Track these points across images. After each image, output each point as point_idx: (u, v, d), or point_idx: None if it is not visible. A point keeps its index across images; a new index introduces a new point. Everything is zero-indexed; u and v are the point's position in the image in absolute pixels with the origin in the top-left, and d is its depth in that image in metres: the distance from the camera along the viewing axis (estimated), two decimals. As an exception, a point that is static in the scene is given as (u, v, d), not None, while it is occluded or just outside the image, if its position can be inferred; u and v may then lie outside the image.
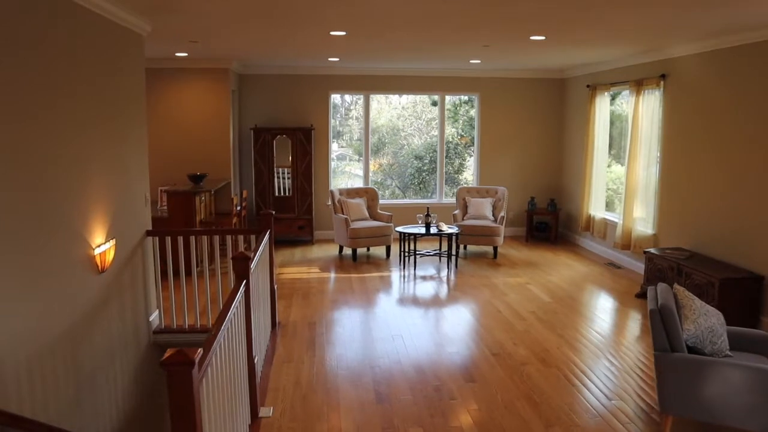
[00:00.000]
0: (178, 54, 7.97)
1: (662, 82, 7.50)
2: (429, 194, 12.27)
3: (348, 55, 8.15)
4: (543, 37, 6.47)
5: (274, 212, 6.10)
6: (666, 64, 7.45)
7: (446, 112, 12.75)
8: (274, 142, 9.62)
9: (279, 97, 9.91)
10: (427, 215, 8.54)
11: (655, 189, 7.78)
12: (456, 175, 12.39)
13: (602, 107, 9.02)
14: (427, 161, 12.59)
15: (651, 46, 7.14)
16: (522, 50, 7.52)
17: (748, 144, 6.23)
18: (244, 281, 4.05)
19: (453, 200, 10.91)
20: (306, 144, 9.67)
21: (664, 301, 4.06)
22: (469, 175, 12.07)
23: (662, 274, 6.77)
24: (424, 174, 12.64)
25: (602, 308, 6.88)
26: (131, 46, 5.41)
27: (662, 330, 4.01)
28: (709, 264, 6.39)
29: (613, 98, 9.16)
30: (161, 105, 8.78)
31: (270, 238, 5.82)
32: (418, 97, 11.91)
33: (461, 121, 12.44)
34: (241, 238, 5.88)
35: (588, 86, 9.27)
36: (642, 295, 7.12)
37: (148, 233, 5.79)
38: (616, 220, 8.71)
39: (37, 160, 3.66)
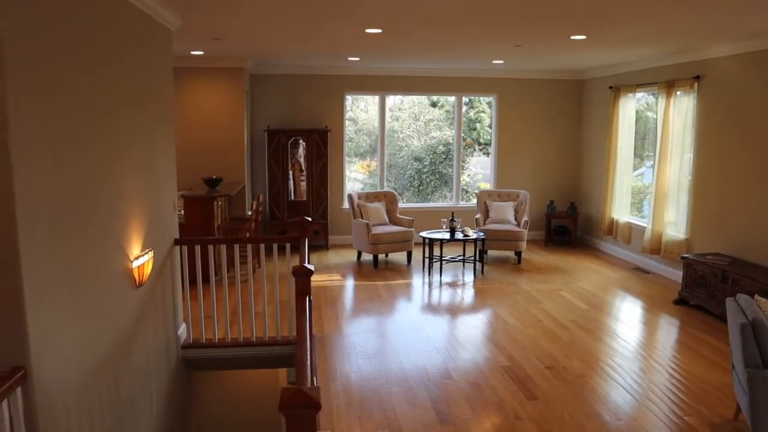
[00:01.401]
0: (193, 52, 7.61)
1: (696, 84, 7.30)
2: (428, 197, 12.02)
3: (371, 54, 7.85)
4: (584, 37, 6.23)
5: (288, 218, 5.77)
6: (701, 65, 7.26)
7: (446, 114, 12.56)
8: (289, 144, 9.28)
9: (292, 98, 9.57)
10: (452, 220, 8.26)
11: (688, 193, 7.58)
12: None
13: (627, 109, 8.81)
14: (427, 163, 12.35)
15: (686, 46, 6.94)
16: (555, 50, 7.28)
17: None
18: (307, 297, 3.74)
19: (468, 204, 10.66)
20: (322, 146, 9.34)
21: (756, 315, 3.83)
22: (466, 176, 11.83)
23: (704, 281, 6.56)
24: (423, 176, 12.40)
25: (642, 316, 6.65)
26: (162, 42, 5.06)
27: (754, 345, 3.77)
28: (756, 270, 6.20)
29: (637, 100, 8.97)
30: (174, 105, 8.39)
31: (306, 246, 5.50)
32: (417, 99, 11.63)
33: (462, 122, 12.21)
34: (262, 246, 5.55)
35: (611, 87, 9.06)
36: (680, 302, 6.91)
37: (176, 242, 5.43)
38: (642, 224, 8.51)
39: (79, 161, 3.29)
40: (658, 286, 7.62)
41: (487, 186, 11.29)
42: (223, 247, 5.55)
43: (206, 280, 5.43)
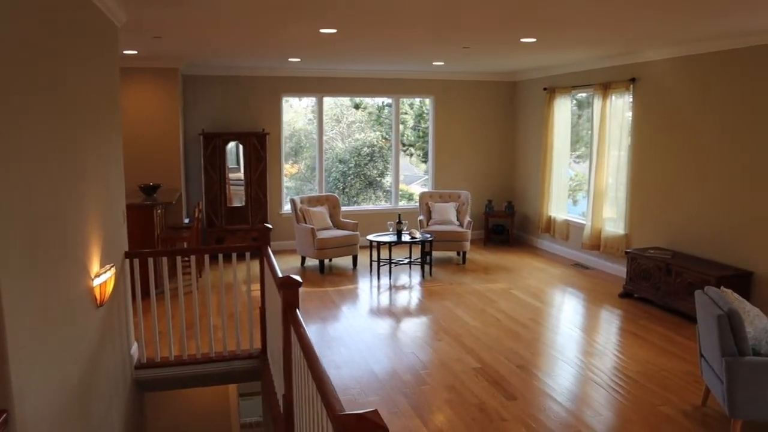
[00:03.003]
0: (126, 52, 7.14)
1: (631, 86, 7.62)
2: (353, 199, 11.94)
3: (316, 55, 7.66)
4: (534, 39, 6.33)
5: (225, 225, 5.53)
6: (636, 68, 7.58)
7: (369, 116, 12.54)
8: (226, 148, 8.92)
9: (228, 100, 9.20)
10: (399, 222, 8.21)
11: (625, 190, 7.89)
12: (379, 179, 12.19)
13: (562, 110, 9.08)
14: (351, 165, 12.27)
15: (623, 50, 7.22)
16: (502, 52, 7.37)
17: (720, 145, 6.45)
18: (296, 309, 3.55)
19: (407, 205, 10.66)
20: (260, 150, 9.04)
21: (730, 305, 3.99)
22: (391, 179, 11.85)
23: (648, 274, 6.84)
24: (348, 178, 12.32)
25: (594, 310, 6.84)
26: (109, 39, 4.68)
27: (730, 335, 3.93)
28: (695, 262, 6.52)
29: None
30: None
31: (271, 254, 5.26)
32: (338, 100, 11.52)
33: (385, 125, 12.24)
34: (206, 256, 5.27)
35: (545, 89, 9.31)
36: (625, 295, 7.17)
37: (127, 255, 5.05)
38: (581, 222, 8.79)
39: (35, 172, 2.91)
40: (601, 281, 7.89)
41: (408, 188, 11.34)
42: (179, 259, 5.23)
43: (147, 294, 5.09)
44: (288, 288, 3.58)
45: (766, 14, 4.88)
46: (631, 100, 7.70)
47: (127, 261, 5.02)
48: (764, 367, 3.84)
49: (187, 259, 7.27)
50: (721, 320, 3.93)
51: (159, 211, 7.21)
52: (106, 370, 4.12)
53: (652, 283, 6.79)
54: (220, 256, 5.11)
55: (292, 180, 11.60)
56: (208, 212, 8.90)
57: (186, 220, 8.53)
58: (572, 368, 5.19)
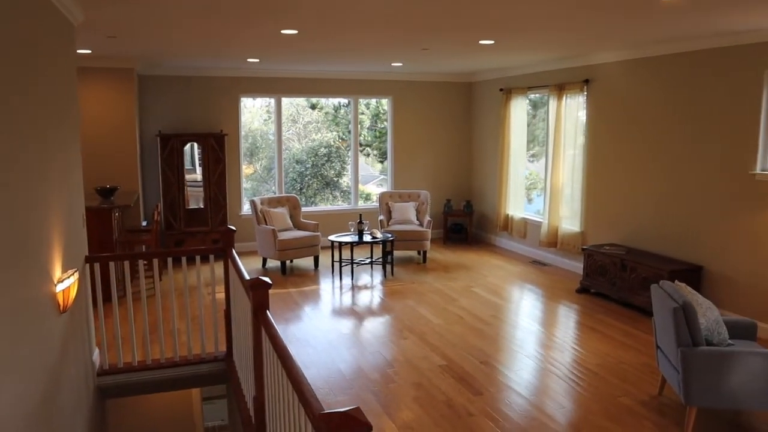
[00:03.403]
0: (80, 51, 6.97)
1: (585, 87, 7.84)
2: (311, 200, 11.93)
3: (271, 56, 7.63)
4: (492, 41, 6.46)
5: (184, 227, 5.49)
6: (589, 70, 7.81)
7: (326, 116, 12.54)
8: (184, 149, 8.79)
9: (185, 101, 9.08)
10: (360, 222, 8.25)
11: (580, 188, 8.12)
12: (337, 179, 12.22)
13: (518, 110, 9.28)
14: (309, 166, 12.27)
15: (577, 52, 7.43)
16: (461, 54, 7.49)
17: (670, 145, 6.72)
18: (267, 311, 3.55)
19: (366, 205, 10.71)
20: (219, 151, 8.94)
21: (684, 298, 4.16)
22: (348, 180, 11.87)
23: (604, 270, 7.06)
24: (306, 179, 12.30)
25: (553, 306, 7.01)
26: (66, 38, 4.57)
27: (685, 326, 4.10)
28: (649, 257, 6.76)
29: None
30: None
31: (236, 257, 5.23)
32: (294, 101, 11.50)
33: (341, 125, 12.28)
34: (170, 259, 5.19)
35: (501, 90, 9.49)
36: (582, 290, 7.38)
37: (87, 259, 4.95)
38: (538, 220, 9.00)
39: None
40: (559, 277, 8.10)
41: (364, 187, 11.40)
42: (141, 263, 5.15)
43: (108, 299, 5.00)
44: (258, 289, 3.58)
45: (710, 20, 5.11)
46: (584, 100, 7.93)
47: (88, 266, 4.93)
48: (717, 356, 4.03)
49: (146, 262, 7.15)
50: (677, 312, 4.11)
51: (117, 214, 7.07)
52: (69, 379, 4.03)
53: (608, 279, 7.01)
54: (184, 258, 5.06)
55: (249, 181, 11.51)
56: (166, 214, 8.76)
57: (144, 223, 8.38)
58: (534, 363, 5.33)
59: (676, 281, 4.62)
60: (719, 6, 4.54)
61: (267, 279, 3.60)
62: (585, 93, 7.88)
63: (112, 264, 5.06)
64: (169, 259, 5.13)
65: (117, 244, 6.96)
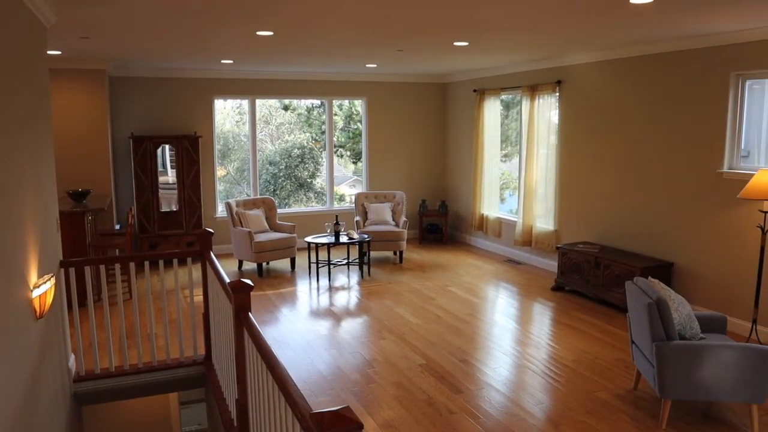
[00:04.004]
0: (50, 52, 6.85)
1: (558, 88, 7.97)
2: (284, 201, 11.91)
3: (245, 57, 7.60)
4: (466, 43, 6.53)
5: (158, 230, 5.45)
6: (562, 71, 7.93)
7: (299, 117, 12.53)
8: (157, 151, 8.70)
9: (158, 102, 8.99)
10: (336, 223, 8.25)
11: (554, 188, 8.24)
12: (310, 181, 12.22)
13: (491, 111, 9.38)
14: (282, 167, 12.25)
15: (549, 54, 7.54)
16: (435, 55, 7.54)
17: (640, 144, 6.87)
18: (249, 313, 3.55)
19: (342, 207, 10.72)
20: (193, 153, 8.87)
21: (658, 294, 4.27)
22: (322, 181, 11.88)
23: (578, 268, 7.18)
24: (279, 180, 12.28)
25: (529, 304, 7.10)
26: (38, 40, 4.50)
27: (659, 321, 4.21)
28: (621, 255, 6.90)
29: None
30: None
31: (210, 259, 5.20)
32: (267, 102, 11.48)
33: (314, 126, 12.29)
34: (146, 263, 5.16)
35: (475, 90, 9.59)
36: (557, 288, 7.50)
37: (62, 264, 4.88)
38: (512, 219, 9.11)
39: None
40: (534, 276, 8.21)
41: (337, 188, 11.42)
42: (117, 267, 5.09)
43: (84, 303, 4.94)
44: (240, 292, 3.59)
45: (678, 23, 5.24)
46: (557, 101, 8.05)
47: (63, 270, 4.86)
48: (690, 350, 4.14)
49: (122, 266, 7.07)
50: (651, 308, 4.21)
51: (89, 217, 6.97)
52: (46, 386, 3.98)
53: (582, 276, 7.14)
54: (161, 262, 5.02)
55: (222, 183, 11.44)
56: (140, 217, 8.66)
57: (117, 227, 8.27)
58: (512, 360, 5.40)
59: (650, 278, 4.73)
60: (685, 9, 4.66)
61: (249, 281, 3.61)
62: (557, 94, 8.01)
63: (87, 268, 5.01)
64: (146, 263, 5.09)
65: (90, 248, 6.86)
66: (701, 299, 6.29)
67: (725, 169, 6.00)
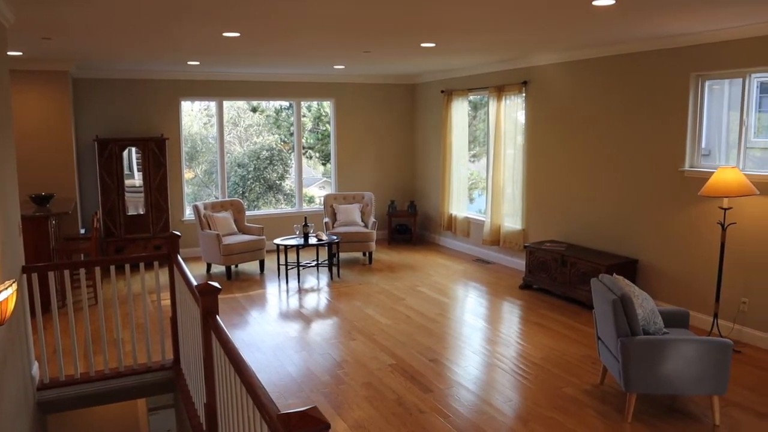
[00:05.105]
0: (10, 53, 6.70)
1: (524, 88, 8.07)
2: (253, 203, 11.85)
3: (212, 59, 7.53)
4: (433, 44, 6.57)
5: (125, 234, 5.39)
6: (527, 72, 8.04)
7: (267, 119, 12.47)
8: (123, 154, 8.57)
9: (124, 104, 8.85)
10: (305, 225, 8.23)
11: (521, 187, 8.34)
12: (279, 183, 12.18)
13: (459, 111, 9.45)
14: (251, 169, 12.18)
15: (515, 55, 7.64)
16: (403, 56, 7.57)
17: (604, 143, 7.02)
18: (216, 317, 3.52)
19: (311, 208, 10.69)
20: (160, 156, 8.76)
21: (622, 290, 4.35)
22: (291, 183, 11.84)
23: (545, 266, 7.28)
24: (248, 182, 12.21)
25: (498, 302, 7.18)
26: (-4, 42, 4.41)
27: (624, 317, 4.29)
28: (587, 253, 7.01)
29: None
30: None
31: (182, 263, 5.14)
32: (234, 104, 11.41)
33: (283, 127, 12.25)
34: (112, 268, 5.07)
35: (443, 91, 9.65)
36: (525, 287, 7.59)
37: (24, 269, 4.77)
38: (480, 219, 9.19)
39: None
40: (502, 275, 8.29)
41: (307, 190, 11.39)
42: (82, 272, 5.00)
43: (47, 309, 4.84)
44: (207, 295, 3.56)
45: (640, 24, 5.36)
46: (523, 101, 8.15)
47: (25, 276, 4.76)
48: (654, 345, 4.23)
49: (87, 271, 6.94)
50: (616, 304, 4.29)
51: (53, 222, 6.84)
52: (8, 396, 3.89)
53: (549, 275, 7.24)
54: (127, 266, 4.95)
55: (190, 186, 11.32)
56: (105, 221, 8.52)
57: (83, 231, 8.12)
58: (481, 358, 5.46)
59: (615, 274, 4.82)
60: (645, 11, 4.76)
61: (216, 284, 3.58)
62: (524, 94, 8.11)
63: (51, 274, 4.92)
64: (112, 267, 5.01)
65: (54, 253, 6.73)
66: (665, 295, 6.43)
67: (687, 167, 6.15)
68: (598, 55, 6.95)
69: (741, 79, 5.70)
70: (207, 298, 3.55)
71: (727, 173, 5.36)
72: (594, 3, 4.43)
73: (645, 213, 6.60)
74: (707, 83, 6.08)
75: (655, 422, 4.27)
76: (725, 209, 5.50)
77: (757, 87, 5.92)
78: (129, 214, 8.72)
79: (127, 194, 8.68)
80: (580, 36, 6.10)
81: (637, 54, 6.53)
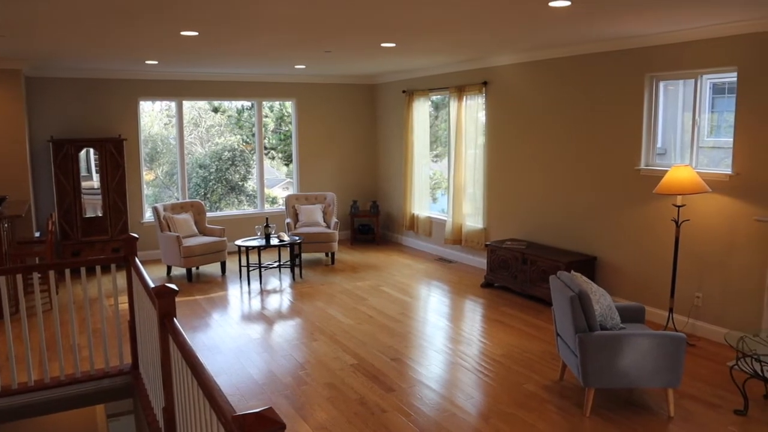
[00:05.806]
0: (-42, 52, 6.51)
1: (484, 89, 8.15)
2: (216, 205, 11.72)
3: (171, 58, 7.42)
4: (393, 44, 6.59)
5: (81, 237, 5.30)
6: (487, 72, 8.12)
7: (229, 119, 12.36)
8: (80, 155, 8.38)
9: (79, 104, 8.66)
10: (267, 226, 8.17)
11: (482, 187, 8.42)
12: (242, 183, 12.08)
13: (420, 111, 9.50)
14: (213, 170, 12.06)
15: (475, 55, 7.71)
16: (363, 56, 7.58)
17: (562, 143, 7.15)
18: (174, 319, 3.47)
19: (273, 209, 10.62)
20: (117, 156, 8.59)
21: (580, 287, 4.43)
22: (253, 184, 11.76)
23: (506, 264, 7.37)
24: (210, 183, 12.08)
25: (460, 301, 7.23)
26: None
27: (581, 313, 4.37)
28: (547, 251, 7.12)
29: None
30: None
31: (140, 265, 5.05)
32: (195, 104, 11.28)
33: (245, 128, 12.16)
34: (67, 271, 4.96)
35: (404, 92, 9.69)
36: (486, 285, 7.67)
37: (-27, 274, 4.63)
38: (442, 218, 9.25)
39: None
40: (464, 273, 8.36)
41: (270, 191, 11.32)
42: (35, 276, 4.87)
43: None
44: (164, 297, 3.50)
45: (595, 26, 5.47)
46: (483, 101, 8.24)
47: (-26, 281, 4.62)
48: (611, 340, 4.31)
49: (41, 275, 6.78)
50: (573, 301, 4.37)
51: (5, 225, 6.64)
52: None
53: (510, 273, 7.32)
54: (83, 269, 4.84)
55: (150, 187, 11.13)
56: (62, 224, 8.32)
57: (37, 234, 7.92)
58: (443, 357, 5.49)
59: (572, 271, 4.90)
60: (598, 12, 4.86)
61: (173, 286, 3.53)
62: (484, 94, 8.19)
63: (2, 278, 4.77)
64: (67, 271, 4.89)
65: (6, 258, 6.54)
66: (622, 291, 6.57)
67: (642, 166, 6.29)
68: (556, 55, 7.07)
69: (693, 80, 5.86)
70: (164, 301, 3.50)
71: (680, 171, 5.50)
72: (551, 4, 4.51)
73: (603, 211, 6.74)
74: (662, 84, 6.24)
75: (612, 416, 4.35)
76: (679, 207, 5.65)
77: (710, 88, 6.09)
78: (86, 216, 8.53)
79: (84, 196, 8.49)
80: (538, 36, 6.19)
81: (594, 55, 6.66)
